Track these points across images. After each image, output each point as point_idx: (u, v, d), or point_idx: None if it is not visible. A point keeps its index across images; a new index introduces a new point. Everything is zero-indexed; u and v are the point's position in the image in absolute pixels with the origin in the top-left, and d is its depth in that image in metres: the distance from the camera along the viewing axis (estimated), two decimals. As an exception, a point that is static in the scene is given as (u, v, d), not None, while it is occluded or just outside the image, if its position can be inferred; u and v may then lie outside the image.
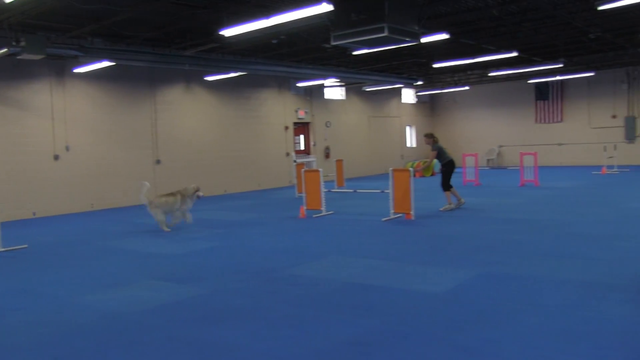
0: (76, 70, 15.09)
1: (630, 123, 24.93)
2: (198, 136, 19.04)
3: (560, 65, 20.32)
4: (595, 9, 11.93)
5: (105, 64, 13.98)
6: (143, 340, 4.87)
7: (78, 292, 6.69)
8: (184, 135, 18.59)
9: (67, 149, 15.50)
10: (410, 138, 29.93)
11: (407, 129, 29.67)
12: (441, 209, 12.62)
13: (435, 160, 12.58)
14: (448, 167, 12.94)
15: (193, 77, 18.73)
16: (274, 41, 15.18)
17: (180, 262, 8.18)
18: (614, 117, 25.42)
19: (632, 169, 22.38)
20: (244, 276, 7.09)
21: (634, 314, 4.95)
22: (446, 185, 12.82)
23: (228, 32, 11.54)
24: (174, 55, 15.16)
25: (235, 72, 17.39)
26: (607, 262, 6.94)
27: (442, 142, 13.44)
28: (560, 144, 26.96)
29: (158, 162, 17.70)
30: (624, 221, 9.98)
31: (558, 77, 24.25)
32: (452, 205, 12.69)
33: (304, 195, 12.89)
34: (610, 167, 22.11)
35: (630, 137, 24.97)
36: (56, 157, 15.26)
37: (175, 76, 18.22)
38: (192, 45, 14.98)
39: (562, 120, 26.94)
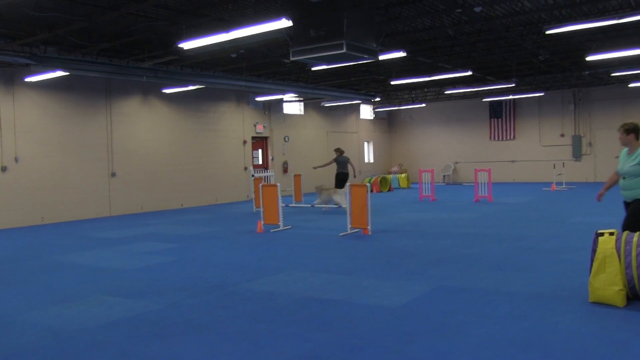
0: (27, 79, 14.79)
1: (577, 142, 25.81)
2: (155, 149, 18.86)
3: (513, 85, 20.91)
4: (544, 32, 12.40)
5: (59, 73, 13.73)
6: (94, 358, 4.80)
7: (24, 309, 6.51)
8: (141, 147, 18.38)
9: (17, 160, 15.13)
10: (368, 154, 30.22)
11: (365, 144, 29.96)
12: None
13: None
14: (337, 177, 17.71)
15: (151, 89, 18.58)
16: (233, 55, 15.22)
17: (134, 277, 8.08)
18: (562, 135, 26.27)
19: (579, 185, 23.11)
20: (199, 291, 7.06)
21: (579, 323, 5.13)
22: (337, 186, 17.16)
23: (187, 45, 11.51)
24: (131, 67, 15.00)
25: (194, 85, 17.33)
26: (554, 274, 7.17)
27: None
28: (513, 161, 27.64)
29: (113, 174, 17.44)
30: (571, 235, 10.31)
31: (511, 96, 25.00)
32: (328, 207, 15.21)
33: (261, 209, 12.89)
34: (559, 183, 22.80)
35: (577, 155, 25.84)
36: (4, 169, 14.88)
37: (132, 88, 18.04)
38: (150, 57, 14.88)
39: (514, 137, 27.66)
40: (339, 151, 18.09)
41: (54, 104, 16.09)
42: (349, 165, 17.79)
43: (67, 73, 13.82)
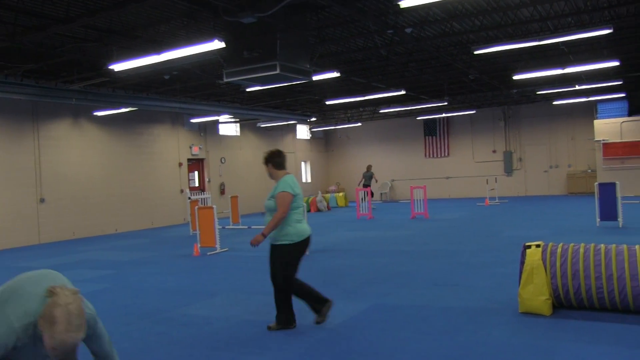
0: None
1: (508, 157, 26.73)
2: (87, 173, 18.35)
3: (445, 103, 21.48)
4: (472, 52, 12.85)
5: (-18, 97, 13.22)
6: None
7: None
8: (72, 172, 17.85)
9: (-60, 188, 14.44)
10: (306, 174, 30.33)
11: (302, 164, 30.08)
12: None
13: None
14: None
15: (81, 112, 18.11)
16: (166, 77, 15.06)
17: (64, 305, 7.78)
18: (494, 151, 27.15)
19: (511, 199, 23.87)
20: (133, 318, 6.87)
21: (509, 334, 5.28)
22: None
23: (118, 66, 11.34)
24: (59, 89, 14.60)
25: (126, 107, 17.00)
26: (487, 288, 7.35)
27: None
28: (447, 177, 28.31)
29: (42, 200, 16.85)
30: (502, 249, 10.60)
31: (444, 114, 25.69)
32: None
33: (197, 232, 12.72)
34: (492, 198, 23.49)
35: (508, 170, 26.74)
36: None
37: (61, 110, 17.52)
38: (79, 79, 14.56)
39: (448, 154, 28.38)
40: (367, 167, 23.78)
41: (-23, 128, 15.47)
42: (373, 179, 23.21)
43: (-10, 96, 13.32)
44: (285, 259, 5.80)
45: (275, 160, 5.99)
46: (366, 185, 22.47)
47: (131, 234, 18.17)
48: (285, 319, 5.98)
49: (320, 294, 6.01)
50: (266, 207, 5.94)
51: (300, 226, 5.85)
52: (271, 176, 6.08)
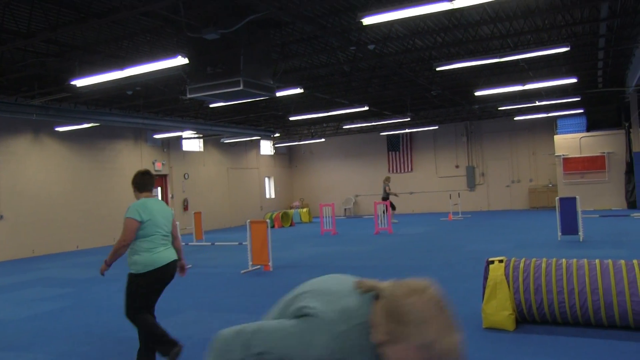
0: None
1: (470, 172, 27.10)
2: (47, 189, 17.95)
3: (408, 119, 21.72)
4: (434, 69, 13.04)
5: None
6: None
7: None
8: (32, 188, 17.44)
9: None
10: (269, 189, 30.24)
11: (266, 180, 29.99)
12: None
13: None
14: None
15: (42, 127, 17.74)
16: (129, 92, 14.89)
17: (21, 328, 7.57)
18: (457, 167, 27.51)
19: (474, 214, 24.16)
20: (93, 338, 6.71)
21: (473, 349, 5.29)
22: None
23: (80, 82, 11.16)
24: (19, 104, 14.29)
25: (88, 123, 16.70)
26: (450, 302, 7.37)
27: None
28: (411, 193, 28.53)
29: (0, 217, 16.41)
30: (465, 263, 10.71)
31: (407, 130, 25.96)
32: None
33: (160, 249, 12.50)
34: (455, 213, 23.76)
35: (471, 185, 27.10)
36: None
37: (21, 126, 17.14)
38: (40, 94, 14.28)
39: (412, 170, 28.63)
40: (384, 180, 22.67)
41: None
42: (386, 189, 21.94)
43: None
44: (132, 289, 5.26)
45: (138, 182, 5.37)
46: (384, 199, 21.36)
47: (93, 251, 17.80)
48: (164, 350, 5.32)
49: (170, 337, 5.32)
50: None
51: (150, 255, 5.16)
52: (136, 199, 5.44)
